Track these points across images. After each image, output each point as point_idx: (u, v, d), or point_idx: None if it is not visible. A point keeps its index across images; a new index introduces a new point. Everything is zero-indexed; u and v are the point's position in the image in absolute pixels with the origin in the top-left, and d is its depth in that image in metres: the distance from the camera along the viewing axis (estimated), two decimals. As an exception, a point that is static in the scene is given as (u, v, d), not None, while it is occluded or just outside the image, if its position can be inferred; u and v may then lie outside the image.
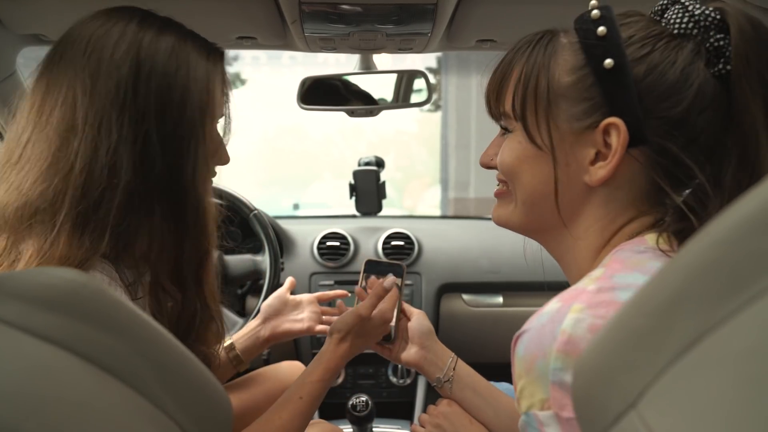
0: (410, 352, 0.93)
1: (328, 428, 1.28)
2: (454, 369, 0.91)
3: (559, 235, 0.64)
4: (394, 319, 0.94)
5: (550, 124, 0.60)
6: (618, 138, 0.57)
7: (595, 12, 0.59)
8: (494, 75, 0.66)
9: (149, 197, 0.71)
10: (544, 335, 0.51)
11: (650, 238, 0.58)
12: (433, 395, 1.10)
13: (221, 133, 0.82)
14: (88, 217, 0.67)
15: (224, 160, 0.83)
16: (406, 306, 0.99)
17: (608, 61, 0.57)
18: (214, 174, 0.83)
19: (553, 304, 0.54)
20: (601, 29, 0.57)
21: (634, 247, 0.57)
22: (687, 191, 0.61)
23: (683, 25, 0.58)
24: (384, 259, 1.71)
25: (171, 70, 0.71)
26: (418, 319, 0.96)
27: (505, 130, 0.66)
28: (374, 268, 0.99)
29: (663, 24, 0.59)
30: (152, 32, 0.72)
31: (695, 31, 0.58)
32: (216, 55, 0.77)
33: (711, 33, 0.57)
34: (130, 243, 0.72)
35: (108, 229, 0.67)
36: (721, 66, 0.57)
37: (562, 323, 0.51)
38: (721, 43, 0.57)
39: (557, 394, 0.49)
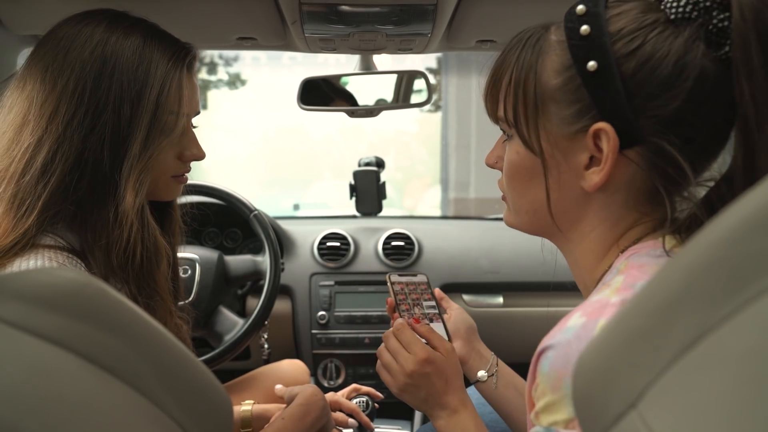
0: (455, 346, 0.87)
1: (300, 366, 1.29)
2: (497, 365, 0.88)
3: (562, 238, 0.63)
4: (442, 323, 0.90)
5: (542, 130, 0.58)
6: (608, 144, 0.54)
7: (580, 8, 0.55)
8: (488, 78, 0.63)
9: (89, 187, 0.74)
10: (571, 353, 0.49)
11: (666, 240, 0.55)
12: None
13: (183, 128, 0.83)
14: (21, 202, 0.72)
15: (197, 154, 0.85)
16: (444, 302, 0.96)
17: (591, 64, 0.54)
18: (188, 169, 0.86)
19: (577, 318, 0.52)
20: (584, 28, 0.54)
21: (651, 251, 0.55)
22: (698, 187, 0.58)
23: (680, 9, 0.52)
24: (386, 266, 1.71)
25: (132, 67, 0.75)
26: (461, 313, 0.92)
27: (506, 135, 0.64)
28: (398, 281, 0.97)
29: (662, 8, 0.54)
30: (120, 32, 0.76)
31: (695, 13, 0.52)
32: (181, 55, 0.79)
33: (714, 13, 0.51)
34: (79, 231, 0.75)
35: (35, 213, 0.71)
36: (727, 49, 0.52)
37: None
38: (726, 23, 0.51)
39: None
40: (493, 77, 0.63)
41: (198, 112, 0.86)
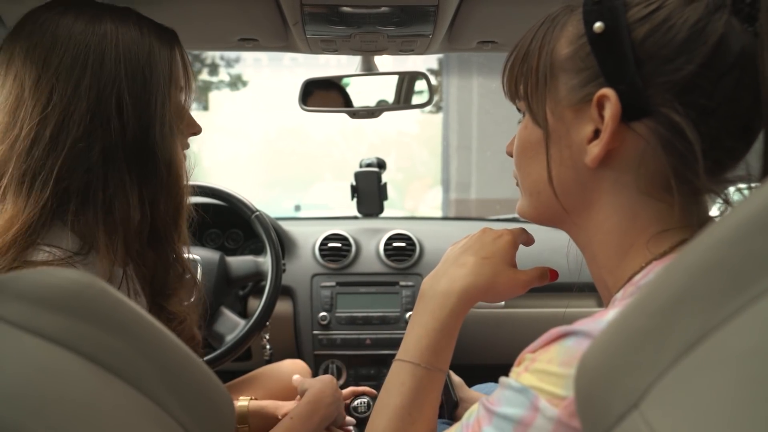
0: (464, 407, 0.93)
1: (301, 366, 1.29)
2: None
3: (573, 226, 0.59)
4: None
5: (549, 100, 0.55)
6: (609, 110, 0.50)
7: None
8: (507, 56, 0.61)
9: (114, 159, 0.74)
10: None
11: None
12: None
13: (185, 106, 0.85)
14: (33, 177, 0.70)
15: (196, 129, 0.86)
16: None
17: (597, 25, 0.50)
18: (187, 146, 0.86)
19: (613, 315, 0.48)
20: None
21: None
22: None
23: None
24: (387, 262, 1.71)
25: (137, 37, 0.75)
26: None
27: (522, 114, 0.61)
28: None
29: None
30: (108, 12, 0.76)
31: None
32: (172, 34, 0.81)
33: None
34: (99, 204, 0.73)
35: (50, 186, 0.70)
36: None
37: None
38: None
39: None
40: (511, 54, 0.60)
41: (188, 88, 0.87)
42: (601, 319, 0.47)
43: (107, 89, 0.73)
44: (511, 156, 0.63)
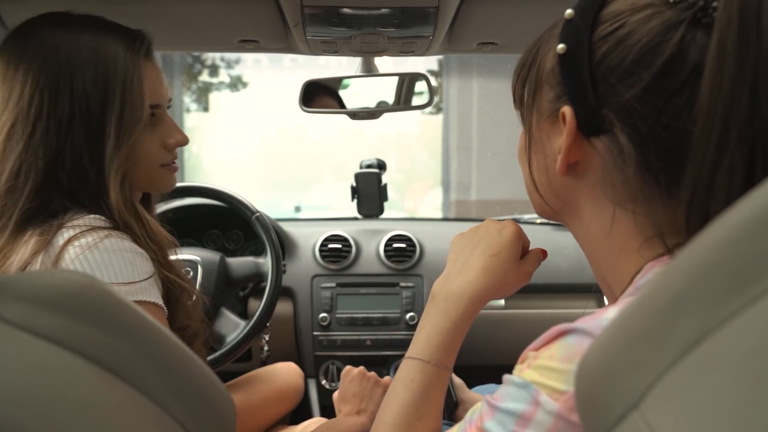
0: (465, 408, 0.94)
1: (294, 369, 1.28)
2: None
3: (569, 225, 0.60)
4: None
5: (534, 112, 0.58)
6: (566, 127, 0.52)
7: None
8: (517, 63, 0.62)
9: (73, 190, 0.74)
10: None
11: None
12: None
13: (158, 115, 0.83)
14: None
15: (180, 140, 0.85)
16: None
17: (560, 47, 0.52)
18: (175, 156, 0.86)
19: (614, 312, 0.48)
20: (568, 12, 0.52)
21: None
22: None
23: None
24: (387, 262, 1.71)
25: (92, 67, 0.74)
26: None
27: None
28: None
29: None
30: (70, 32, 0.75)
31: None
32: (136, 46, 0.78)
33: None
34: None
35: (11, 222, 0.72)
36: None
37: None
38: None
39: None
40: (517, 62, 0.62)
41: (169, 99, 0.86)
42: (602, 317, 0.48)
43: (65, 124, 0.73)
44: None
